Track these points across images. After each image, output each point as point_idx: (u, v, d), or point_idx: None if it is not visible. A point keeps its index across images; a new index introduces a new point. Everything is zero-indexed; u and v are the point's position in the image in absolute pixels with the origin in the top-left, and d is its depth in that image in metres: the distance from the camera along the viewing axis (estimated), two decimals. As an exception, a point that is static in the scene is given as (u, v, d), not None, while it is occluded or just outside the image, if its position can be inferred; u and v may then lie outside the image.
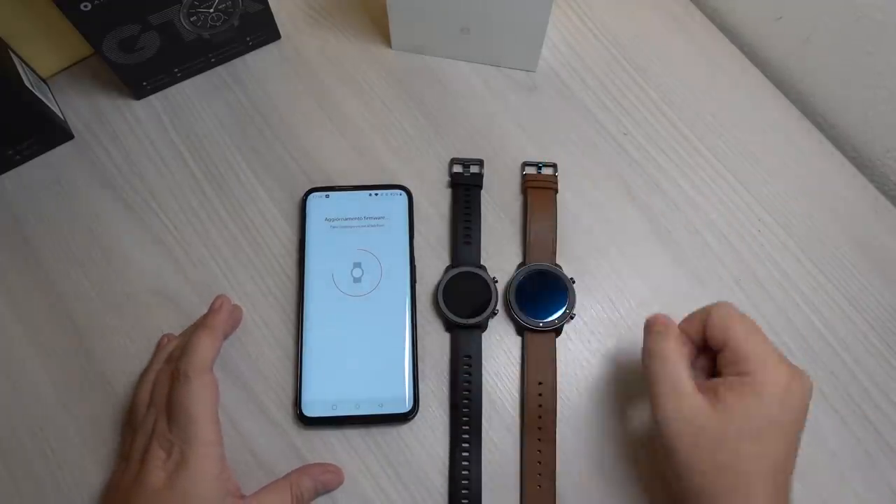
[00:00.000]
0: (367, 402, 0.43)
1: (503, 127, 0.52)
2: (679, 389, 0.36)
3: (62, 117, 0.50)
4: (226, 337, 0.44)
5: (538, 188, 0.49)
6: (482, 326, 0.46)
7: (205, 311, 0.44)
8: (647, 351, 0.38)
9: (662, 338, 0.38)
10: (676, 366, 0.37)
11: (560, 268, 0.47)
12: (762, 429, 0.35)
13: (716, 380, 0.37)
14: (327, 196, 0.49)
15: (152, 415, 0.40)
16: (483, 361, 0.45)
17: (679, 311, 0.40)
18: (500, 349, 0.46)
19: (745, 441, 0.35)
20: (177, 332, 0.45)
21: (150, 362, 0.44)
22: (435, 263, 0.48)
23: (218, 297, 0.44)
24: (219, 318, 0.43)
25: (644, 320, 0.39)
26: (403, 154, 0.51)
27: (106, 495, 0.42)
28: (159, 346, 0.45)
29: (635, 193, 0.50)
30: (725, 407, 0.35)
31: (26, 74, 0.47)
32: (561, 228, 0.48)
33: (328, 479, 0.42)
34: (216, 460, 0.38)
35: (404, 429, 0.44)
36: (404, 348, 0.45)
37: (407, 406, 0.44)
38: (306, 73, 0.53)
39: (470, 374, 0.45)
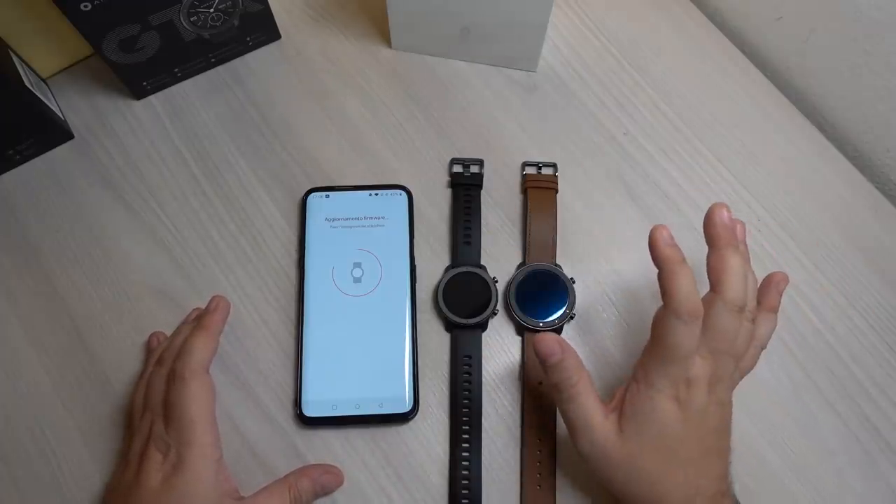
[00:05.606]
0: (367, 401, 0.43)
1: (503, 127, 0.52)
2: (590, 423, 0.36)
3: (62, 117, 0.50)
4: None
5: (538, 188, 0.49)
6: (482, 326, 0.46)
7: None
8: (553, 388, 0.37)
9: (565, 372, 0.37)
10: (584, 399, 0.36)
11: (560, 268, 0.47)
12: (662, 449, 0.35)
13: (624, 388, 0.36)
14: (327, 196, 0.49)
15: (147, 418, 0.40)
16: (483, 361, 0.45)
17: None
18: (500, 349, 0.46)
19: (647, 466, 0.35)
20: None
21: (144, 365, 0.44)
22: (435, 263, 0.48)
23: (215, 297, 0.44)
24: (215, 318, 0.43)
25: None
26: (403, 154, 0.51)
27: (105, 497, 0.42)
28: (150, 347, 0.45)
29: (635, 193, 0.50)
30: (625, 430, 0.35)
31: (26, 74, 0.47)
32: (561, 228, 0.48)
33: (327, 480, 0.42)
34: (213, 462, 0.38)
35: (404, 429, 0.44)
36: (404, 348, 0.45)
37: (407, 406, 0.44)
38: (306, 73, 0.53)
39: (470, 374, 0.45)
